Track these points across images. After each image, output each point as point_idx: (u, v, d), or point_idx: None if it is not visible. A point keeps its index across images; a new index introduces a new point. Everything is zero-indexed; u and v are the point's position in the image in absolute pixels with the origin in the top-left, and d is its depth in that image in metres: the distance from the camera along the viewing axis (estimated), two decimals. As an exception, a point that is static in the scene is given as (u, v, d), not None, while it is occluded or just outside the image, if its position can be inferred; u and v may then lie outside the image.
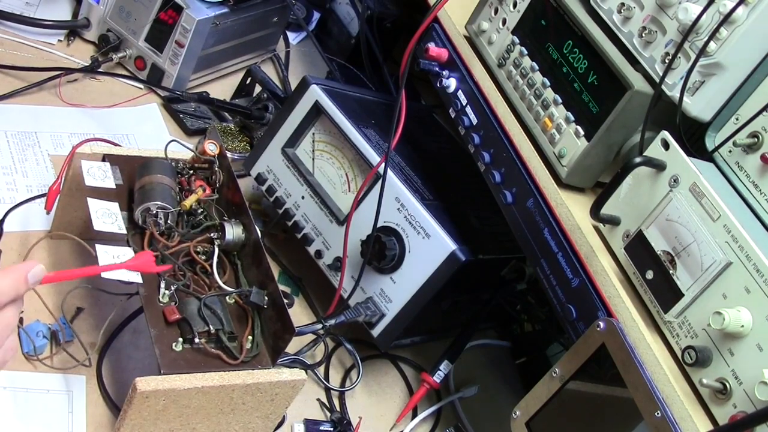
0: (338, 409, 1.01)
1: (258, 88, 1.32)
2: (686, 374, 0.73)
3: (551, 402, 0.79)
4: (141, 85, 1.29)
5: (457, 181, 1.11)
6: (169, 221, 0.87)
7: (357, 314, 0.97)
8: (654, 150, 0.79)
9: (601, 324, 0.75)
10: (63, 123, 1.16)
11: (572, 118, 0.87)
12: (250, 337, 0.83)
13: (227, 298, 0.86)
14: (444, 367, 1.04)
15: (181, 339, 0.79)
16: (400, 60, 1.01)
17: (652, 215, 0.77)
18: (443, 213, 0.99)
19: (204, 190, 0.92)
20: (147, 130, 1.23)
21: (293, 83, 1.37)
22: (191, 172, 0.95)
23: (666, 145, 0.78)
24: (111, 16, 1.28)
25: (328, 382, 1.03)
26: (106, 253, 0.80)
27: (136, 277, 0.80)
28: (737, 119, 0.80)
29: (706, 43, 0.76)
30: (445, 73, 1.02)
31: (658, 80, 0.81)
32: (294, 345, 0.96)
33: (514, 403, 0.83)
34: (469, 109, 0.98)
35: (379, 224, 0.96)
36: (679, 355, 0.73)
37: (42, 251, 0.96)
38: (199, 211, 0.92)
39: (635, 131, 0.85)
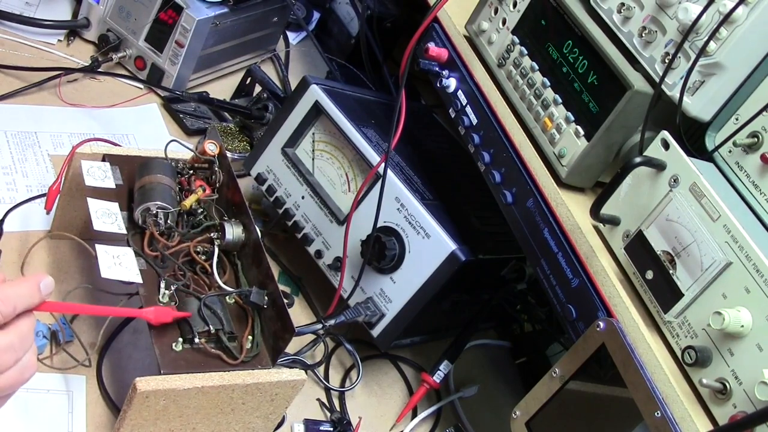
0: (338, 409, 1.01)
1: (258, 88, 1.32)
2: (686, 374, 0.73)
3: (551, 402, 0.79)
4: (141, 85, 1.29)
5: (457, 181, 1.11)
6: (169, 221, 0.87)
7: (357, 314, 0.97)
8: (654, 150, 0.79)
9: (601, 324, 0.75)
10: (63, 123, 1.16)
11: (572, 118, 0.87)
12: (250, 337, 0.83)
13: (227, 298, 0.86)
14: (444, 367, 1.04)
15: (181, 339, 0.79)
16: (400, 60, 1.01)
17: (652, 215, 0.77)
18: (443, 213, 0.99)
19: (204, 190, 0.92)
20: (147, 130, 1.23)
21: (293, 83, 1.37)
22: (191, 172, 0.95)
23: (666, 145, 0.78)
24: (111, 16, 1.28)
25: (328, 382, 1.03)
26: (106, 253, 0.80)
27: (136, 277, 0.81)
28: (737, 119, 0.80)
29: (706, 43, 0.76)
30: (445, 73, 1.02)
31: (658, 80, 0.81)
32: (294, 345, 0.96)
33: (514, 403, 0.83)
34: (469, 109, 0.98)
35: (379, 224, 0.96)
36: (679, 355, 0.73)
37: (42, 251, 0.96)
38: (199, 211, 0.92)
39: (635, 131, 0.85)
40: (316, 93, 1.06)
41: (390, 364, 1.11)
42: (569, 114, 0.88)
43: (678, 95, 0.80)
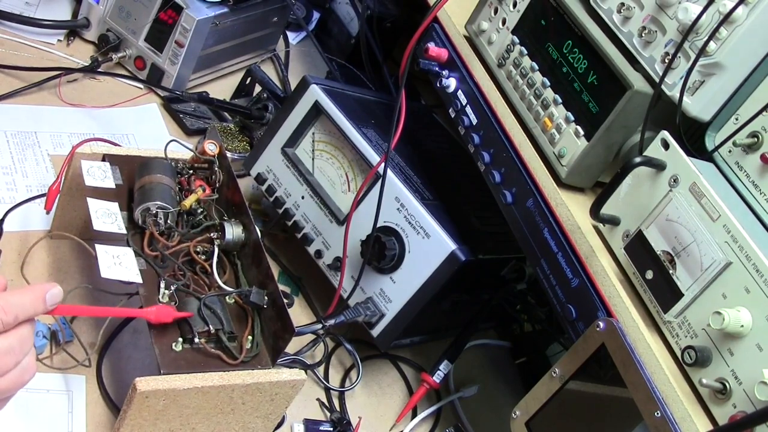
0: (338, 409, 1.01)
1: (258, 88, 1.32)
2: (686, 374, 0.73)
3: (551, 402, 0.79)
4: (141, 85, 1.29)
5: (457, 181, 1.11)
6: (168, 221, 0.87)
7: (357, 314, 0.97)
8: (654, 150, 0.79)
9: (601, 324, 0.75)
10: (63, 123, 1.16)
11: (572, 117, 0.87)
12: (249, 337, 0.83)
13: (227, 298, 0.86)
14: (444, 367, 1.04)
15: (181, 339, 0.79)
16: (400, 60, 1.01)
17: (651, 215, 0.77)
18: (443, 213, 0.99)
19: (204, 190, 0.92)
20: (147, 130, 1.23)
21: (293, 83, 1.37)
22: (191, 172, 0.95)
23: (666, 145, 0.78)
24: (111, 16, 1.28)
25: (328, 382, 1.03)
26: (105, 253, 0.80)
27: (135, 277, 0.81)
28: (737, 119, 0.80)
29: (706, 43, 0.76)
30: (445, 73, 1.02)
31: (658, 80, 0.81)
32: (294, 345, 0.96)
33: (514, 403, 0.83)
34: (469, 109, 0.98)
35: (379, 224, 0.96)
36: (679, 355, 0.73)
37: (42, 251, 0.96)
38: (199, 211, 0.92)
39: (635, 131, 0.85)
40: (316, 93, 1.06)
41: (390, 364, 1.11)
42: (569, 114, 0.88)
43: (678, 95, 0.80)
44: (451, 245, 0.93)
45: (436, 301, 0.96)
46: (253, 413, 0.83)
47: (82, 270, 0.97)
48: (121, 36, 1.28)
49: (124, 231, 0.85)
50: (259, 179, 1.10)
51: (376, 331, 0.98)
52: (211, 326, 0.80)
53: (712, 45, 0.76)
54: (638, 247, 0.78)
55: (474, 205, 1.05)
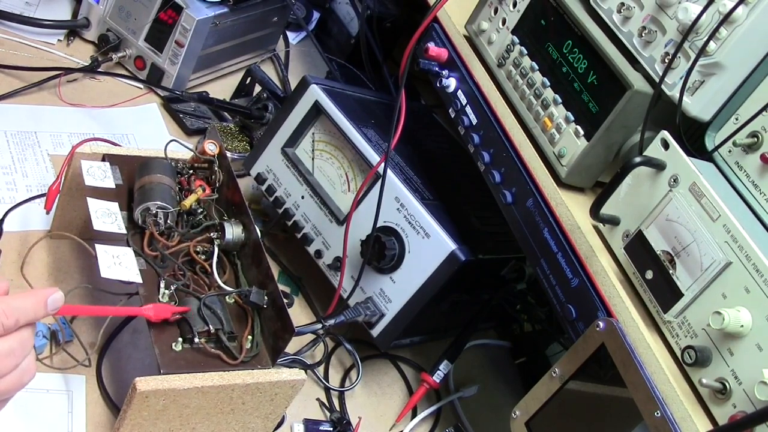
0: (338, 409, 1.01)
1: (258, 88, 1.32)
2: (686, 374, 0.73)
3: (551, 402, 0.79)
4: (141, 85, 1.29)
5: (457, 181, 1.11)
6: (168, 221, 0.87)
7: (357, 314, 0.97)
8: (654, 150, 0.79)
9: (601, 324, 0.75)
10: (63, 123, 1.16)
11: (572, 117, 0.87)
12: (249, 337, 0.83)
13: (227, 297, 0.86)
14: (444, 367, 1.04)
15: (180, 339, 0.79)
16: (400, 60, 1.01)
17: (651, 215, 0.77)
18: (443, 213, 0.99)
19: (204, 190, 0.92)
20: (147, 130, 1.23)
21: (293, 83, 1.37)
22: (191, 172, 0.95)
23: (666, 145, 0.78)
24: (111, 16, 1.28)
25: (328, 382, 1.03)
26: (105, 253, 0.80)
27: (135, 277, 0.81)
28: (737, 119, 0.80)
29: (706, 43, 0.76)
30: (445, 72, 1.02)
31: (657, 80, 0.81)
32: (294, 345, 0.96)
33: (514, 403, 0.83)
34: (468, 109, 0.98)
35: (379, 224, 0.96)
36: (679, 355, 0.73)
37: (42, 251, 0.96)
38: (199, 210, 0.92)
39: (635, 131, 0.85)
40: (315, 93, 1.06)
41: (390, 364, 1.11)
42: (569, 114, 0.88)
43: (678, 95, 0.80)
44: (451, 245, 0.93)
45: (436, 301, 0.96)
46: (253, 413, 0.83)
47: (82, 270, 0.97)
48: (121, 36, 1.28)
49: (124, 231, 0.85)
50: (259, 179, 1.10)
51: (376, 331, 0.98)
52: (211, 326, 0.80)
53: (712, 45, 0.76)
54: (638, 247, 0.78)
55: (474, 205, 1.05)
